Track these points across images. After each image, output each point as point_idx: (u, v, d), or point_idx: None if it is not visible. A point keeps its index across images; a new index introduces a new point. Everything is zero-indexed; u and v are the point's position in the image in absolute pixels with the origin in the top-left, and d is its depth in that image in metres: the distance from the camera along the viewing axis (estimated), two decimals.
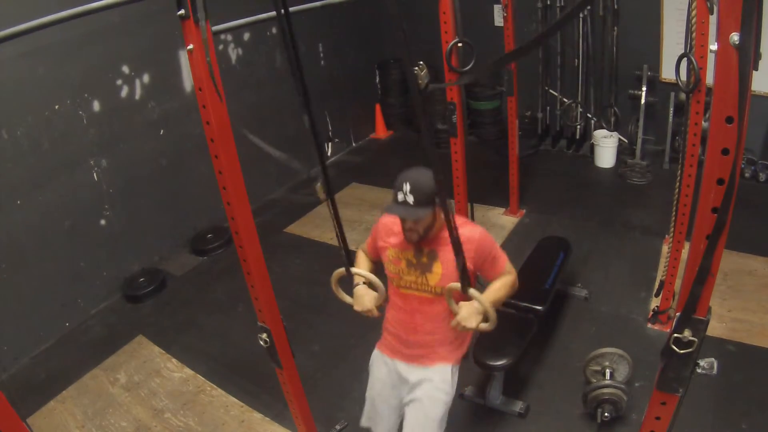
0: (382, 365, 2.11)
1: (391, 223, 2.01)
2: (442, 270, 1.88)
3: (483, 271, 1.96)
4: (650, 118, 4.97)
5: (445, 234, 1.77)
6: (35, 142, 3.36)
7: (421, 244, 1.91)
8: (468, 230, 1.89)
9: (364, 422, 2.15)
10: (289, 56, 1.14)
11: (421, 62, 2.28)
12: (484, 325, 1.77)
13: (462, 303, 1.80)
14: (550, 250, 3.29)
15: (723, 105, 0.95)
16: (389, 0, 0.93)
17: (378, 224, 2.09)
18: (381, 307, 1.96)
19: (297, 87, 1.20)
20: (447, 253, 1.83)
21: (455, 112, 3.22)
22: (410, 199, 1.76)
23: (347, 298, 1.98)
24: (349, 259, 1.89)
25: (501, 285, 1.95)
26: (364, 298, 1.93)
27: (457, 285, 1.70)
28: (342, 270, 1.91)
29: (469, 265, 1.80)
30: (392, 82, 6.38)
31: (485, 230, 1.97)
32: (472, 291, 1.69)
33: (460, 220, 1.90)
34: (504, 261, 1.99)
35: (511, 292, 1.99)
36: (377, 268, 2.12)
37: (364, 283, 1.95)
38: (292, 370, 2.12)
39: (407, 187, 1.77)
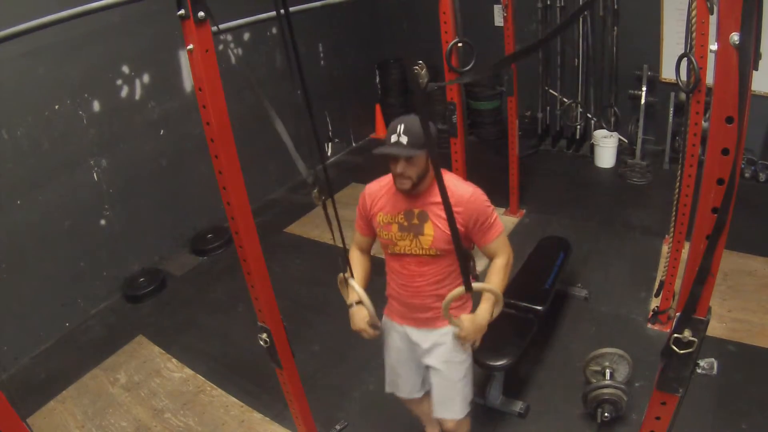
0: (393, 333, 2.12)
1: (376, 189, 1.97)
2: (434, 232, 1.81)
3: (473, 235, 1.86)
4: (650, 118, 4.97)
5: (435, 192, 1.75)
6: (35, 142, 3.36)
7: (411, 205, 1.85)
8: (459, 189, 1.81)
9: (388, 389, 2.21)
10: (288, 56, 1.14)
11: (421, 62, 2.28)
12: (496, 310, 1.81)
13: (463, 316, 1.79)
14: (550, 250, 3.29)
15: (723, 105, 0.95)
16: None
17: (362, 196, 2.00)
18: (375, 326, 1.95)
19: (297, 87, 1.19)
20: (438, 213, 1.79)
21: (455, 112, 3.23)
22: (404, 140, 1.72)
23: (349, 294, 1.97)
24: (349, 267, 1.86)
25: (498, 270, 1.88)
26: (356, 317, 1.92)
27: (460, 290, 1.65)
28: (341, 276, 1.91)
29: (459, 227, 1.72)
30: (392, 82, 6.38)
31: (480, 191, 1.85)
32: (476, 285, 1.68)
33: (452, 178, 1.87)
34: (498, 231, 1.86)
35: (507, 275, 1.92)
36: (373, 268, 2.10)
37: (357, 302, 1.91)
38: (292, 370, 2.12)
39: (401, 128, 1.73)
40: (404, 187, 1.79)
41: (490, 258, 1.92)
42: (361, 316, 1.90)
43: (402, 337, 2.09)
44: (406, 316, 2.04)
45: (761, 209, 4.08)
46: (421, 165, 1.78)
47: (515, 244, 4.19)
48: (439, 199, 1.57)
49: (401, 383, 2.17)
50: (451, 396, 2.03)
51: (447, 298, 1.68)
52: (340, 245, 1.60)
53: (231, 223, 1.75)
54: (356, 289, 1.81)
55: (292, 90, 1.35)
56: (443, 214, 1.59)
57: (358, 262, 2.06)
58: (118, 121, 3.84)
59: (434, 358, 2.01)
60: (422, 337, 2.02)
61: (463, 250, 1.59)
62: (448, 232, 1.65)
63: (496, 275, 1.88)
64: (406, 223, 1.86)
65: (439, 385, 2.03)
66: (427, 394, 2.17)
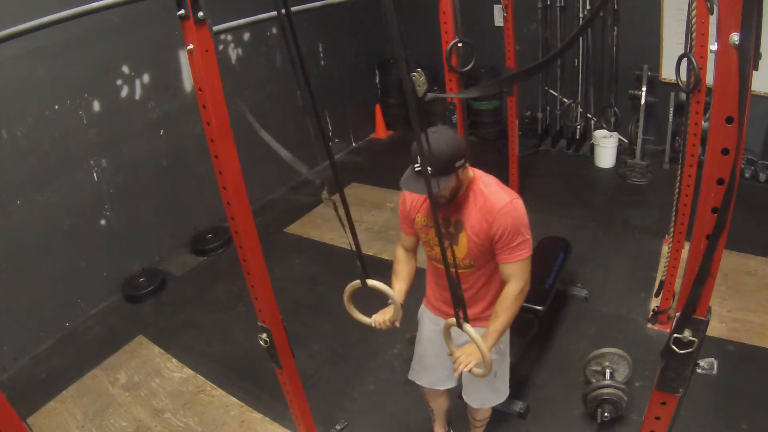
0: (428, 322, 2.12)
1: (414, 198, 1.91)
2: (468, 244, 1.76)
3: (495, 249, 1.76)
4: (650, 118, 4.97)
5: (471, 199, 1.71)
6: (35, 142, 3.36)
7: (448, 213, 1.78)
8: (494, 196, 1.73)
9: (410, 376, 2.21)
10: (291, 55, 1.13)
11: (419, 69, 2.27)
12: (477, 371, 1.65)
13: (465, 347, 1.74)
14: (550, 250, 3.29)
15: (723, 105, 0.95)
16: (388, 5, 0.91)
17: (402, 196, 1.95)
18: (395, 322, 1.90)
19: (301, 85, 1.18)
20: (472, 223, 1.74)
21: (455, 112, 3.22)
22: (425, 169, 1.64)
23: (362, 318, 1.83)
24: (365, 269, 1.53)
25: (506, 308, 1.79)
26: (381, 314, 1.92)
27: (453, 321, 1.42)
28: (356, 283, 1.56)
29: (482, 235, 1.69)
30: (392, 82, 6.38)
31: (518, 204, 1.73)
32: (468, 329, 1.37)
33: (493, 183, 1.80)
34: (521, 255, 1.76)
35: (518, 307, 1.82)
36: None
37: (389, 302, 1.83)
38: (292, 370, 2.12)
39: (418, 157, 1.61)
40: (441, 203, 1.74)
41: (505, 280, 1.82)
42: (387, 313, 1.90)
43: (436, 328, 2.03)
44: (443, 310, 2.04)
45: (761, 209, 4.08)
46: (452, 182, 1.70)
47: None
48: (475, 209, 1.59)
49: (426, 374, 2.18)
50: (480, 386, 2.06)
51: (446, 323, 1.51)
52: (354, 247, 1.43)
53: (231, 223, 1.75)
54: (379, 286, 1.58)
55: (295, 89, 1.34)
56: (477, 226, 1.61)
57: (402, 260, 2.04)
58: (118, 121, 3.84)
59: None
60: (457, 331, 1.84)
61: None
62: (482, 245, 1.67)
63: (503, 313, 1.78)
64: (443, 231, 1.78)
65: (469, 375, 1.91)
66: (447, 391, 2.21)
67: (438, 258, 1.84)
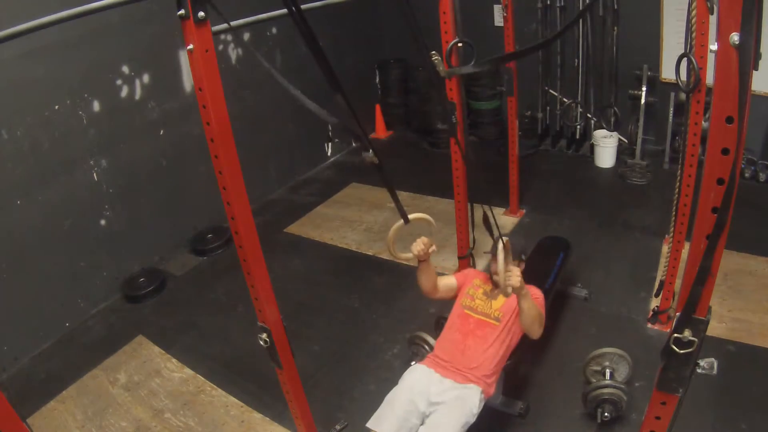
0: (416, 372, 2.26)
1: (476, 273, 2.59)
2: (505, 302, 2.33)
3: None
4: (650, 118, 4.97)
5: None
6: (35, 142, 3.36)
7: (497, 288, 2.35)
8: (534, 289, 2.35)
9: (370, 423, 2.14)
10: (307, 41, 1.15)
11: (434, 52, 2.32)
12: (510, 289, 2.04)
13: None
14: (550, 250, 3.29)
15: (723, 105, 0.95)
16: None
17: (472, 272, 2.63)
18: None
19: (324, 71, 1.26)
20: (513, 296, 2.16)
21: (455, 112, 3.22)
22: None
23: (405, 255, 2.17)
24: (404, 213, 1.93)
25: (538, 305, 2.25)
26: (418, 245, 2.19)
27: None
28: (400, 223, 1.96)
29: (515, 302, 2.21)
30: (392, 82, 6.38)
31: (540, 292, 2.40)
32: (499, 249, 1.98)
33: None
34: (539, 304, 2.32)
35: (537, 316, 2.21)
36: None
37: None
38: (292, 370, 2.12)
39: (505, 238, 2.12)
40: (498, 282, 2.20)
41: None
42: (420, 243, 2.19)
43: (422, 377, 2.23)
44: (440, 363, 2.29)
45: (761, 209, 4.08)
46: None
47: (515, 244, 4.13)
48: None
49: (388, 420, 2.10)
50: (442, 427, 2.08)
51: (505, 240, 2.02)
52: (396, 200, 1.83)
53: (231, 223, 1.75)
54: (419, 215, 2.01)
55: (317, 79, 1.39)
56: (508, 257, 2.06)
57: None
58: (118, 121, 3.84)
59: (443, 395, 2.16)
60: (443, 382, 2.21)
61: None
62: (512, 306, 2.26)
63: (535, 305, 2.21)
64: (489, 292, 2.42)
65: (437, 419, 2.09)
66: None
67: (473, 307, 2.38)
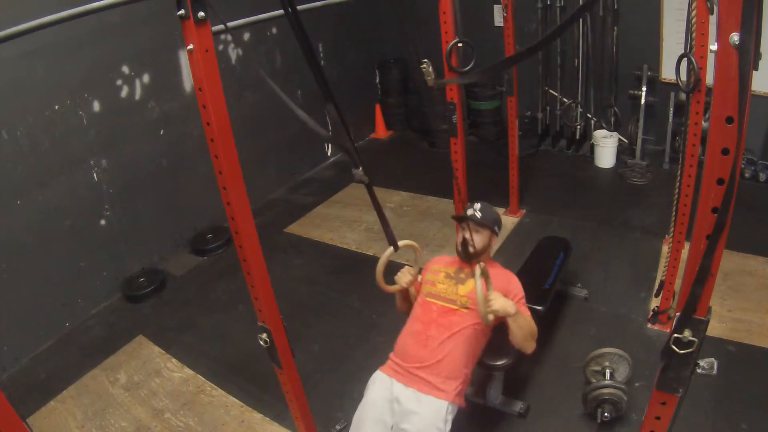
0: (377, 385, 2.11)
1: (439, 259, 2.38)
2: (474, 287, 1.95)
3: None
4: (650, 118, 4.97)
5: (490, 266, 2.11)
6: (35, 142, 3.36)
7: (465, 265, 2.20)
8: (505, 270, 2.27)
9: None
10: (303, 49, 1.14)
11: (426, 60, 2.31)
12: (491, 316, 1.96)
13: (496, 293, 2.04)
14: (550, 250, 3.29)
15: (723, 105, 0.95)
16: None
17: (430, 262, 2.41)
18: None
19: (315, 76, 1.23)
20: (482, 282, 1.98)
21: (455, 112, 3.22)
22: (478, 214, 2.17)
23: (391, 288, 2.13)
24: (393, 240, 1.80)
25: (529, 323, 2.12)
26: (404, 276, 2.16)
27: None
28: (390, 251, 1.84)
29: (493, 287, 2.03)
30: (392, 82, 6.38)
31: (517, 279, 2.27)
32: (476, 269, 1.84)
33: (496, 264, 2.31)
34: (528, 312, 2.18)
35: (528, 334, 2.10)
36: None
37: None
38: (292, 370, 2.12)
39: (477, 205, 2.19)
40: (466, 252, 2.08)
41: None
42: (406, 273, 2.17)
43: (384, 390, 2.06)
44: (400, 370, 2.07)
45: (761, 209, 4.08)
46: (486, 238, 2.21)
47: (515, 244, 4.20)
48: (490, 271, 1.92)
49: None
50: None
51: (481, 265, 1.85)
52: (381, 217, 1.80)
53: (231, 223, 1.75)
54: (408, 243, 1.93)
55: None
56: (488, 282, 1.90)
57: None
58: (118, 121, 3.84)
59: (409, 423, 1.96)
60: (406, 395, 2.00)
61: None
62: (485, 296, 1.92)
63: (527, 321, 2.13)
64: (452, 274, 2.21)
65: None
66: None
67: (436, 293, 2.17)
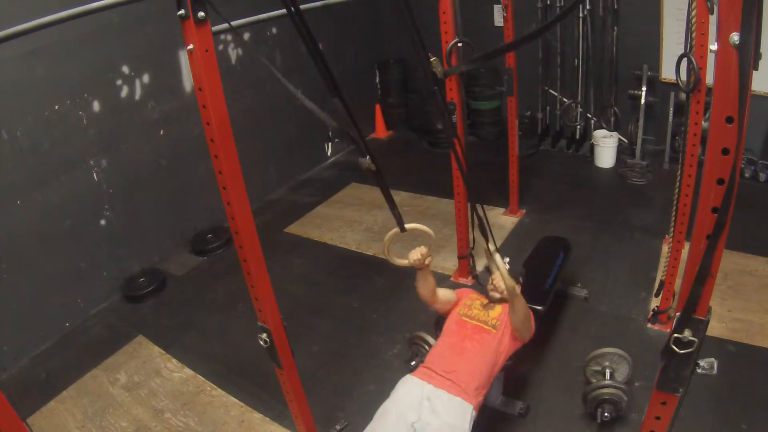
0: (409, 383, 2.19)
1: (473, 292, 2.63)
2: (502, 311, 2.40)
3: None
4: (650, 118, 4.97)
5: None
6: (35, 142, 3.36)
7: (493, 302, 2.48)
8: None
9: None
10: (306, 45, 1.15)
11: (431, 55, 2.33)
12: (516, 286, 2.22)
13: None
14: (550, 250, 3.29)
15: (723, 105, 0.95)
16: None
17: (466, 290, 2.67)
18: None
19: (322, 74, 1.24)
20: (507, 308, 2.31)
21: (455, 112, 3.22)
22: (507, 266, 2.24)
23: (401, 261, 2.18)
24: (401, 221, 1.84)
25: (525, 304, 2.28)
26: (416, 253, 2.23)
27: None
28: (396, 231, 1.89)
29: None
30: (392, 82, 6.38)
31: None
32: (497, 258, 2.00)
33: None
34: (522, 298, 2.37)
35: (526, 315, 2.29)
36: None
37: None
38: (292, 370, 2.12)
39: (507, 259, 2.34)
40: (494, 298, 2.45)
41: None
42: (418, 251, 2.24)
43: (415, 388, 2.16)
44: (433, 375, 2.20)
45: (761, 209, 4.08)
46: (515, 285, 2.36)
47: (515, 244, 4.19)
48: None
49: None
50: None
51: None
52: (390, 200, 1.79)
53: (231, 223, 1.75)
54: (416, 225, 1.93)
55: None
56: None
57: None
58: (118, 121, 3.84)
59: (436, 416, 2.06)
60: (437, 394, 2.13)
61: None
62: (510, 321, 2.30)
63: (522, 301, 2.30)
64: (486, 303, 2.49)
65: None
66: None
67: (471, 316, 2.41)
